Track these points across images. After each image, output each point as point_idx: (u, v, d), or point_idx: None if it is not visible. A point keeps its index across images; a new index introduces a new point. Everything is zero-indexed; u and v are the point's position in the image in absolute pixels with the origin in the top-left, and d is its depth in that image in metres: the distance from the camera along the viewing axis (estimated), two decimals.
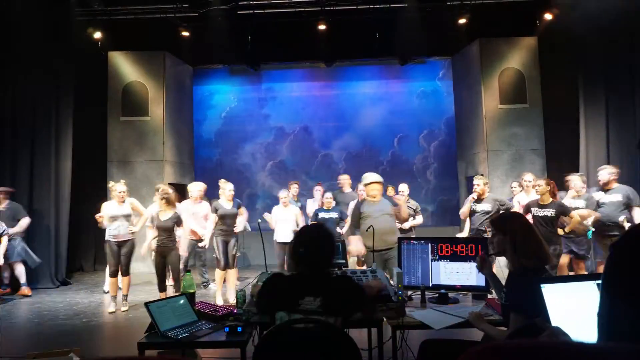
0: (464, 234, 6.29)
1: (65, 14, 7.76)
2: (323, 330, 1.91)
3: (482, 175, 6.79)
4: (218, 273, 6.09)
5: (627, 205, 5.46)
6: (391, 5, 8.19)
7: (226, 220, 6.06)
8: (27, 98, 7.77)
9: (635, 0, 6.72)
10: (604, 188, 5.64)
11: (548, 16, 8.07)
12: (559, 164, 8.03)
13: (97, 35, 8.34)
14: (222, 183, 6.22)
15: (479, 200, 5.81)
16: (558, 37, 8.11)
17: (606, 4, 6.71)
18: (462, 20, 8.27)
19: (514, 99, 8.64)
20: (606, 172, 5.64)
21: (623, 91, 7.29)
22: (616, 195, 5.52)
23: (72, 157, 8.11)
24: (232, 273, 6.16)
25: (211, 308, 2.81)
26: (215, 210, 6.05)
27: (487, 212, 5.68)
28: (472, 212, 5.86)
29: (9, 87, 7.73)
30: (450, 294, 3.04)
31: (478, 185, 5.81)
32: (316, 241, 2.20)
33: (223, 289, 6.20)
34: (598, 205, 5.60)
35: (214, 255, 6.13)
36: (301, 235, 2.32)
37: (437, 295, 3.05)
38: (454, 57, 10.00)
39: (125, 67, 8.92)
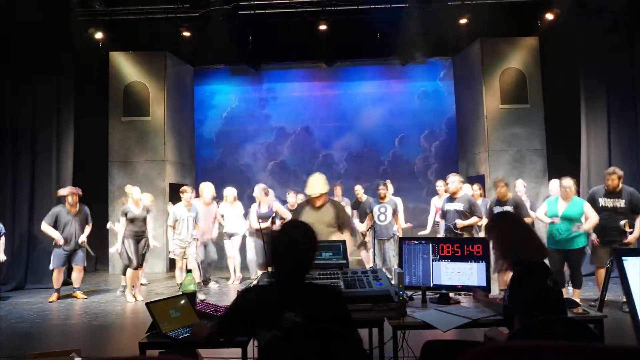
0: (427, 231, 7.03)
1: (66, 14, 7.76)
2: (331, 337, 1.83)
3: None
4: (131, 272, 6.32)
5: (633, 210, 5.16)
6: (392, 6, 8.19)
7: (136, 223, 6.34)
8: (28, 98, 7.78)
9: (635, 0, 6.72)
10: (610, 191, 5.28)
11: (549, 16, 8.06)
12: (560, 164, 8.02)
13: (98, 35, 8.35)
14: (128, 189, 6.60)
15: (452, 199, 5.80)
16: (559, 37, 8.10)
17: (606, 3, 6.71)
18: (463, 21, 8.26)
19: (515, 99, 8.64)
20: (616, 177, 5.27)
21: (624, 91, 7.28)
22: (620, 200, 5.21)
23: (73, 157, 8.11)
24: (140, 272, 6.59)
25: (212, 308, 2.82)
26: (125, 214, 6.30)
27: (459, 211, 5.69)
28: (445, 212, 5.87)
29: (10, 87, 7.74)
30: (451, 294, 3.04)
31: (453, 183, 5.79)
32: (291, 244, 1.87)
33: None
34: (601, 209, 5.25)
35: (127, 256, 6.31)
36: (277, 237, 1.98)
37: (437, 295, 3.05)
38: (455, 57, 9.99)
39: (127, 67, 8.93)
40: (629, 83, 7.23)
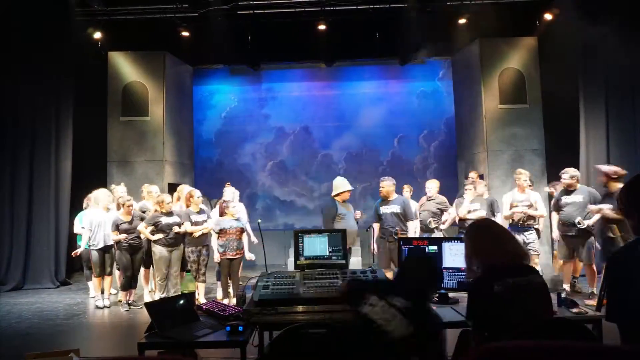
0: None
1: (65, 14, 7.75)
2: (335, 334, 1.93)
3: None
4: None
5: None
6: (391, 5, 8.18)
7: None
8: (27, 98, 7.77)
9: (635, 0, 6.73)
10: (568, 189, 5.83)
11: (548, 16, 8.07)
12: (559, 164, 8.02)
13: (97, 35, 8.33)
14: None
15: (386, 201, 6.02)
16: (558, 37, 8.10)
17: (606, 3, 6.71)
18: (462, 21, 8.26)
19: (514, 99, 8.64)
20: (568, 175, 5.84)
21: (623, 91, 7.29)
22: (578, 196, 5.72)
23: (72, 157, 8.11)
24: None
25: (219, 307, 2.82)
26: None
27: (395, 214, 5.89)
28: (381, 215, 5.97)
29: (9, 87, 7.73)
30: (451, 294, 3.06)
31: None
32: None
33: None
34: (560, 206, 5.86)
35: None
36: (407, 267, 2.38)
37: (437, 295, 3.05)
38: (454, 57, 9.99)
39: (125, 67, 8.91)
40: (628, 83, 7.24)
